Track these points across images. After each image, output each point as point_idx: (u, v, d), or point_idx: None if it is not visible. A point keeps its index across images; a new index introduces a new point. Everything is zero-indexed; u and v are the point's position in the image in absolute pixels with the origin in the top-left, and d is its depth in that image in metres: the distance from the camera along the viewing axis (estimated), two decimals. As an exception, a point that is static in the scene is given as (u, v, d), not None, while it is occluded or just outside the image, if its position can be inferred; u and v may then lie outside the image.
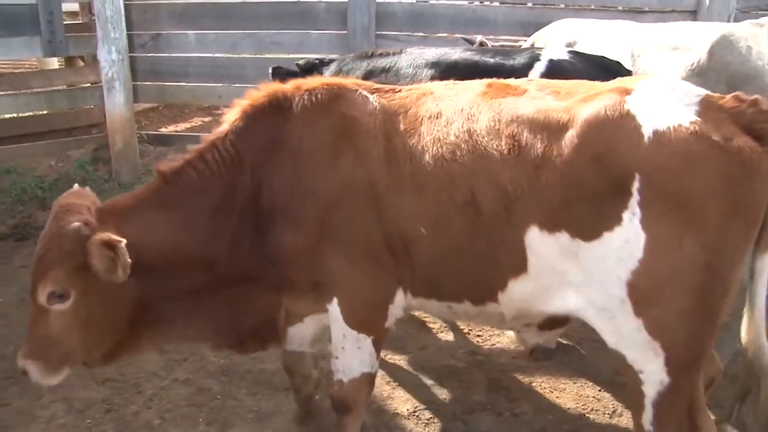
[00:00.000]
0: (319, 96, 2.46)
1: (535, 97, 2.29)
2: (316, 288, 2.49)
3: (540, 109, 2.21)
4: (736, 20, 5.15)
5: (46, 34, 5.76)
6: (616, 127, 2.06)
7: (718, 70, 3.21)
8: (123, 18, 6.01)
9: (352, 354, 2.54)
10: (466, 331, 3.92)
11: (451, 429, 3.16)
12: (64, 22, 6.03)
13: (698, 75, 3.25)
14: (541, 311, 2.35)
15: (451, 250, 2.31)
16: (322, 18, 6.03)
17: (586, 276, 2.15)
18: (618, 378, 3.49)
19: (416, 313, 4.08)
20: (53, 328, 2.32)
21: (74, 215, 2.28)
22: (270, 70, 4.04)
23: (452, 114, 2.33)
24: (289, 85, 2.53)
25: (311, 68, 4.20)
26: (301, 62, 4.29)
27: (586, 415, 3.26)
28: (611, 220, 2.06)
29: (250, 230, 2.45)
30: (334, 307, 2.47)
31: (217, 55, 6.54)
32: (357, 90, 2.49)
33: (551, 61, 3.42)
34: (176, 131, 7.75)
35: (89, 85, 6.65)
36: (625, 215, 2.04)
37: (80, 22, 7.08)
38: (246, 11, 6.29)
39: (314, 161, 2.39)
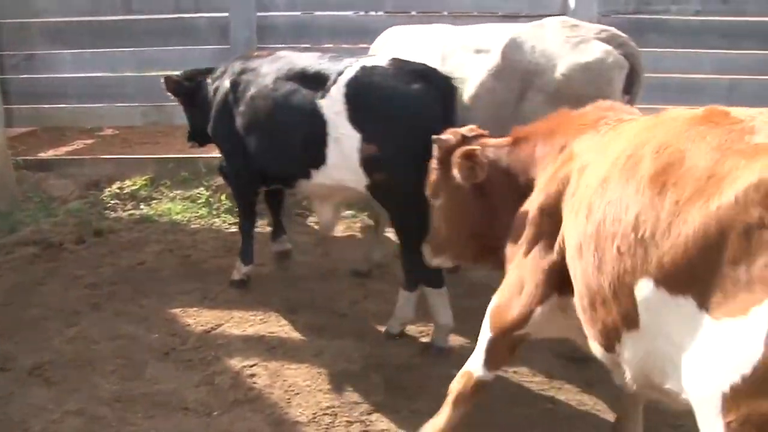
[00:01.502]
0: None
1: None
2: None
3: None
4: (598, 23, 5.50)
5: None
6: None
7: (511, 68, 3.49)
8: (-9, 38, 5.75)
9: None
10: (361, 334, 3.98)
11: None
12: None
13: (496, 75, 3.52)
14: None
15: None
16: (204, 33, 5.99)
17: None
18: (509, 367, 3.67)
19: (313, 319, 4.13)
20: (434, 219, 3.17)
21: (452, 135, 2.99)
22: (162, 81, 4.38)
23: None
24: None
25: (192, 77, 4.48)
26: (182, 73, 4.56)
27: (480, 405, 3.38)
28: None
29: None
30: None
31: (96, 74, 6.33)
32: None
33: (363, 68, 3.59)
34: (56, 155, 7.43)
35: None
36: None
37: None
38: (125, 28, 6.14)
39: None
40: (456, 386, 2.84)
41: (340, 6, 6.23)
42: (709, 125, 1.90)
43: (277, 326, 4.12)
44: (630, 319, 2.00)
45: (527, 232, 2.60)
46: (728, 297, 1.63)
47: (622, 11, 5.92)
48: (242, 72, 4.19)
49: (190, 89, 4.56)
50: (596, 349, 2.32)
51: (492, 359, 2.75)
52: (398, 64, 3.60)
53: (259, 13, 5.80)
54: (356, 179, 3.67)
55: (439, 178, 3.03)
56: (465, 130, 3.01)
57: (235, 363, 3.72)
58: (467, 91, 3.67)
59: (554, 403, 3.44)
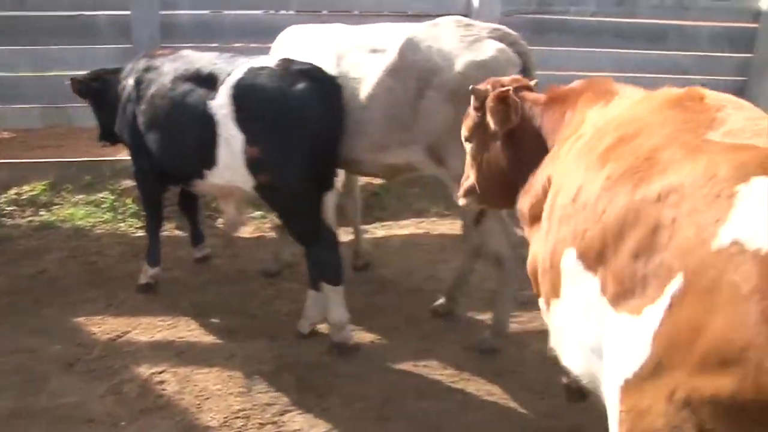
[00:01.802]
0: None
1: None
2: None
3: None
4: (500, 23, 5.65)
5: None
6: None
7: (408, 68, 3.57)
8: None
9: None
10: (273, 335, 3.97)
11: (262, 433, 3.21)
12: None
13: (393, 74, 3.60)
14: None
15: None
16: (105, 32, 5.76)
17: None
18: (419, 361, 3.76)
19: (223, 322, 4.10)
20: (466, 163, 3.05)
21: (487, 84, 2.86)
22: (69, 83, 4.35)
23: None
24: None
25: (98, 77, 4.45)
26: (88, 73, 4.51)
27: (390, 399, 3.45)
28: None
29: None
30: None
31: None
32: None
33: (250, 69, 3.64)
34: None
35: None
36: None
37: None
38: (20, 26, 5.81)
39: None
40: None
41: (247, 5, 6.16)
42: (678, 109, 1.90)
43: (187, 331, 4.06)
44: (556, 287, 2.07)
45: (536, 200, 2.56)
46: (626, 290, 1.67)
47: (523, 11, 6.10)
48: (146, 70, 4.16)
49: (96, 89, 4.47)
50: (542, 307, 2.38)
51: None
52: (285, 65, 3.63)
53: (162, 12, 5.65)
54: (244, 180, 3.69)
55: (474, 123, 2.94)
56: (507, 80, 2.92)
57: (143, 370, 3.64)
58: (364, 90, 3.71)
59: (464, 394, 3.53)
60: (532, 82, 2.90)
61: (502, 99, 2.72)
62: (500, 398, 3.48)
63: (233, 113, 3.59)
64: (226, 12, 6.32)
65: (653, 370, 1.53)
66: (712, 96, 1.94)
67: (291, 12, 6.44)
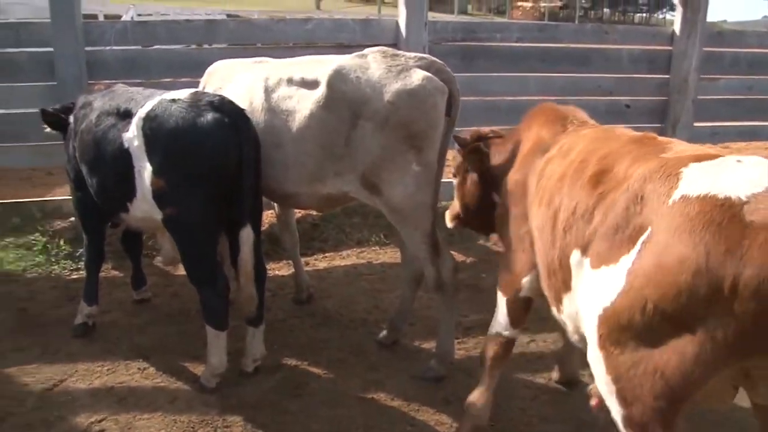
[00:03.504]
0: None
1: None
2: None
3: None
4: (429, 51, 5.79)
5: None
6: None
7: (338, 99, 3.63)
8: None
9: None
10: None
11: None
12: None
13: (325, 107, 3.65)
14: None
15: None
16: (27, 69, 5.60)
17: None
18: (367, 393, 3.75)
19: (165, 364, 4.00)
20: (456, 192, 3.93)
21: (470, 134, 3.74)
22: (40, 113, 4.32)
23: None
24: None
25: (67, 110, 4.35)
26: (57, 106, 4.44)
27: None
28: None
29: None
30: None
31: None
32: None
33: (159, 101, 3.63)
34: None
35: None
36: None
37: None
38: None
39: None
40: (489, 352, 3.25)
41: (172, 40, 6.08)
42: (639, 144, 2.55)
43: (127, 375, 3.94)
44: (567, 283, 2.58)
45: (512, 217, 3.22)
46: (608, 256, 2.25)
47: (450, 39, 6.24)
48: (82, 106, 4.14)
49: (65, 122, 4.36)
50: (553, 310, 2.84)
51: (513, 319, 3.17)
52: (194, 97, 3.62)
53: (87, 48, 5.54)
54: (154, 212, 3.67)
55: (458, 163, 3.85)
56: (486, 131, 3.75)
57: (82, 420, 3.50)
58: (296, 123, 3.72)
59: (413, 424, 3.52)
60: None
61: (475, 149, 3.61)
62: (450, 427, 3.49)
63: (143, 145, 3.58)
64: (154, 47, 6.24)
65: (627, 294, 2.10)
66: (660, 137, 2.66)
67: (220, 45, 6.41)
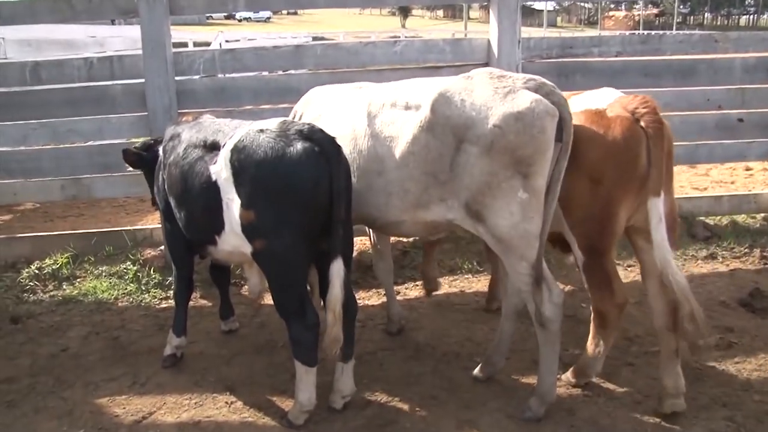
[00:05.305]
0: None
1: None
2: None
3: None
4: (522, 69, 5.53)
5: None
6: None
7: (442, 123, 3.41)
8: None
9: None
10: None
11: None
12: None
13: (429, 130, 3.44)
14: None
15: None
16: (120, 101, 5.72)
17: None
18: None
19: (252, 398, 3.87)
20: None
21: None
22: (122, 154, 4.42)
23: None
24: None
25: (149, 147, 4.44)
26: (138, 144, 4.50)
27: None
28: None
29: None
30: None
31: (5, 149, 5.96)
32: None
33: (248, 132, 3.51)
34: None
35: None
36: None
37: None
38: (35, 99, 5.78)
39: None
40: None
41: (260, 66, 6.08)
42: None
43: (215, 409, 3.83)
44: None
45: None
46: None
47: (545, 56, 5.95)
48: (171, 138, 4.11)
49: (147, 159, 4.42)
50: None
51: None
52: (282, 127, 3.47)
53: (177, 78, 5.60)
54: (243, 245, 3.55)
55: None
56: None
57: (170, 456, 3.41)
58: (400, 148, 3.55)
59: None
60: None
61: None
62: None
63: (232, 177, 3.47)
64: (240, 75, 6.28)
65: None
66: None
67: (306, 71, 6.38)
